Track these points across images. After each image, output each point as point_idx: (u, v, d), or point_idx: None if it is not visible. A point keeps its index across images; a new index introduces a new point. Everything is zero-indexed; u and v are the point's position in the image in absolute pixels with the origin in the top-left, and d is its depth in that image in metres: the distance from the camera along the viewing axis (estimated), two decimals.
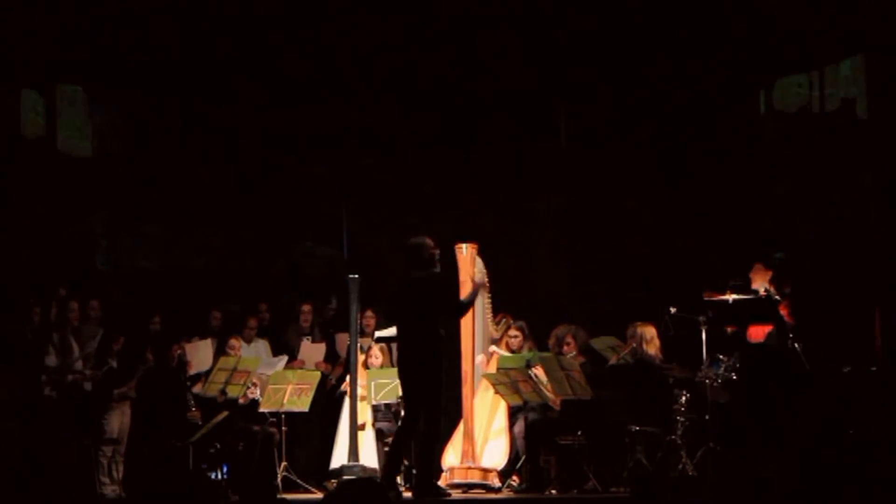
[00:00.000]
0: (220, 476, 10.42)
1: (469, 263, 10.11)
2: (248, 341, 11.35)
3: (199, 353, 10.87)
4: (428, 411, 8.97)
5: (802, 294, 10.52)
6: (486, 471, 9.98)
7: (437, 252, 9.25)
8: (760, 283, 10.29)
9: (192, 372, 10.84)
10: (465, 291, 9.80)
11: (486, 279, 10.08)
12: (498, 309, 10.51)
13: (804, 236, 12.07)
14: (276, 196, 12.78)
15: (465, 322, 10.06)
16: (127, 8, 11.91)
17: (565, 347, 10.24)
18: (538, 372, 9.97)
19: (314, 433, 11.18)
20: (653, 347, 10.11)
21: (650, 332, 10.13)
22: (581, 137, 12.65)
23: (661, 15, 11.96)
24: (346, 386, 10.56)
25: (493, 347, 10.44)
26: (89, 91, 12.45)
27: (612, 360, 10.16)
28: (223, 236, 12.85)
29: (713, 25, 11.94)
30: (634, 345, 10.11)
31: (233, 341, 10.99)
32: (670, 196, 12.35)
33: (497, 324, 10.52)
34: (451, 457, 10.11)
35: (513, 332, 10.50)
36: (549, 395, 9.96)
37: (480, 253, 10.20)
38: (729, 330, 10.25)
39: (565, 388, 9.77)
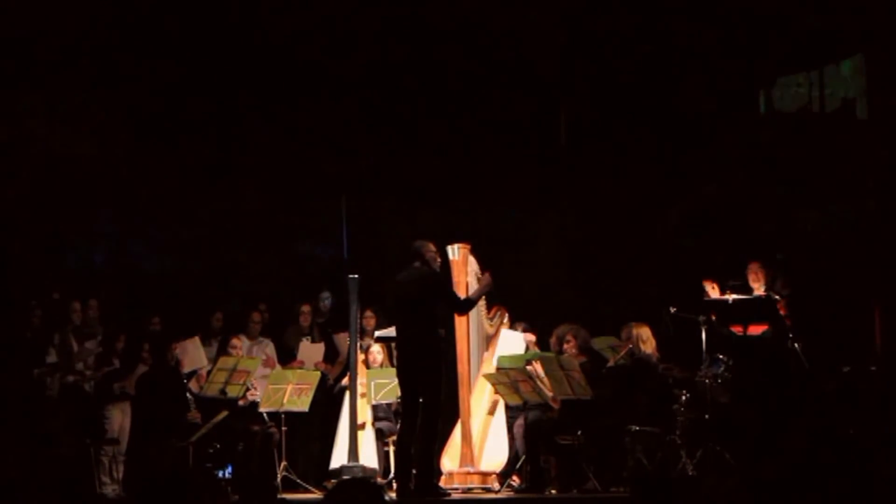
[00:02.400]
0: (224, 475, 10.43)
1: (462, 264, 10.12)
2: (253, 336, 11.34)
3: (189, 353, 10.84)
4: (427, 410, 8.97)
5: (802, 295, 10.53)
6: (485, 475, 9.97)
7: (439, 261, 9.32)
8: (758, 283, 10.30)
9: (185, 370, 10.83)
10: (458, 293, 9.84)
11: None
12: (492, 305, 10.52)
13: (804, 236, 12.06)
14: (276, 196, 12.77)
15: (461, 323, 10.06)
16: (127, 7, 11.92)
17: (565, 346, 10.21)
18: (536, 368, 9.96)
19: (314, 433, 11.17)
20: (649, 347, 10.09)
21: (646, 332, 10.11)
22: (581, 137, 12.65)
23: (662, 15, 11.96)
24: (346, 381, 10.52)
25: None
26: (89, 90, 12.44)
27: (611, 362, 10.16)
28: (223, 236, 12.84)
29: (713, 25, 11.94)
30: (631, 346, 10.11)
31: (234, 341, 10.98)
32: (670, 195, 12.34)
33: (491, 319, 10.51)
34: (450, 461, 10.09)
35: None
36: (548, 392, 9.95)
37: (476, 252, 10.22)
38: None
39: (565, 388, 9.76)
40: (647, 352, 10.07)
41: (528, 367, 9.97)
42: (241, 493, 9.80)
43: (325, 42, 12.23)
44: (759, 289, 10.26)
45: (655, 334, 10.16)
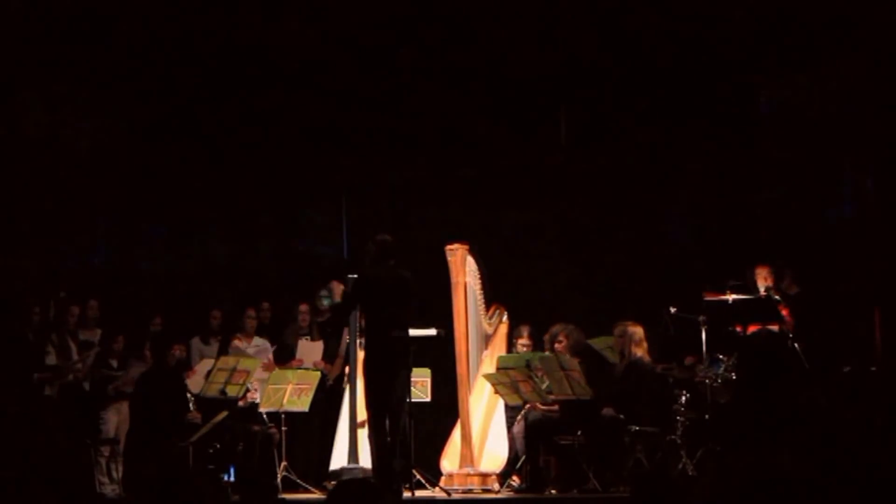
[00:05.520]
0: (227, 477, 10.43)
1: (461, 264, 10.12)
2: (249, 334, 11.32)
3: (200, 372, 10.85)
4: (399, 409, 9.00)
5: (804, 295, 10.54)
6: (485, 475, 9.96)
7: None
8: (763, 284, 10.30)
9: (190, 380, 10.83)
10: (457, 293, 9.91)
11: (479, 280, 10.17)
12: (490, 304, 10.52)
13: (804, 236, 12.06)
14: (275, 195, 12.77)
15: (460, 323, 10.06)
16: (128, 7, 11.93)
17: (556, 345, 10.17)
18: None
19: (314, 433, 11.17)
20: (640, 349, 9.95)
21: (639, 332, 10.00)
22: (581, 137, 12.65)
23: (661, 15, 11.96)
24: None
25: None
26: (89, 90, 12.44)
27: (616, 362, 10.14)
28: (223, 236, 12.84)
29: (713, 25, 11.94)
30: (622, 346, 10.02)
31: (235, 342, 10.98)
32: (670, 196, 12.35)
33: (490, 318, 10.49)
34: (449, 462, 10.08)
35: (524, 340, 10.46)
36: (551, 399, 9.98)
37: (475, 252, 10.22)
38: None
39: (565, 388, 9.76)
40: (637, 354, 9.94)
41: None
42: (242, 494, 9.80)
43: (325, 41, 12.23)
44: (762, 289, 10.27)
45: (650, 336, 10.11)
